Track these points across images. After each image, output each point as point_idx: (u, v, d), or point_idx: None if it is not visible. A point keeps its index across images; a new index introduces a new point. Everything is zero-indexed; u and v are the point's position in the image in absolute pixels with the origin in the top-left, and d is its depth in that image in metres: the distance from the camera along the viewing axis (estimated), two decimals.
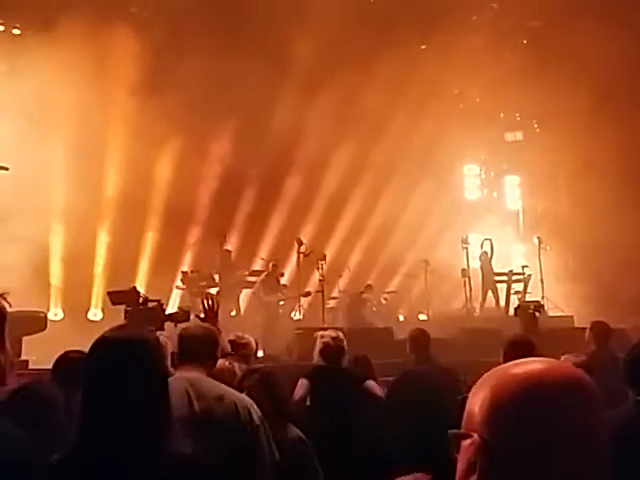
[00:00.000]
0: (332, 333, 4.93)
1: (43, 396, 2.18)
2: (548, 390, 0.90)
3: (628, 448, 2.28)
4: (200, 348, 2.79)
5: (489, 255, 13.21)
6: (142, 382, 1.60)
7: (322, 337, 4.84)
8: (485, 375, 0.97)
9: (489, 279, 13.05)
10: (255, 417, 2.56)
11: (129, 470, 1.52)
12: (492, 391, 0.92)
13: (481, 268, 13.17)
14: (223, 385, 2.69)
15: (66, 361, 3.23)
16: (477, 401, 0.94)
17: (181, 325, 5.10)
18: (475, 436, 0.90)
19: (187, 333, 2.91)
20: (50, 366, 3.38)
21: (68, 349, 3.34)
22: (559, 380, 0.91)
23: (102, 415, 1.56)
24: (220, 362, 3.35)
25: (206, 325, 3.20)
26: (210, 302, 3.91)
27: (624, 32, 11.31)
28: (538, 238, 13.30)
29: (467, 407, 0.96)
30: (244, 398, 2.65)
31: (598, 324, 5.47)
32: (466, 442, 0.92)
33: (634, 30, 11.45)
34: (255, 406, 2.64)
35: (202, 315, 3.92)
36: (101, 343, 1.66)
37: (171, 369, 2.80)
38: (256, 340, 4.69)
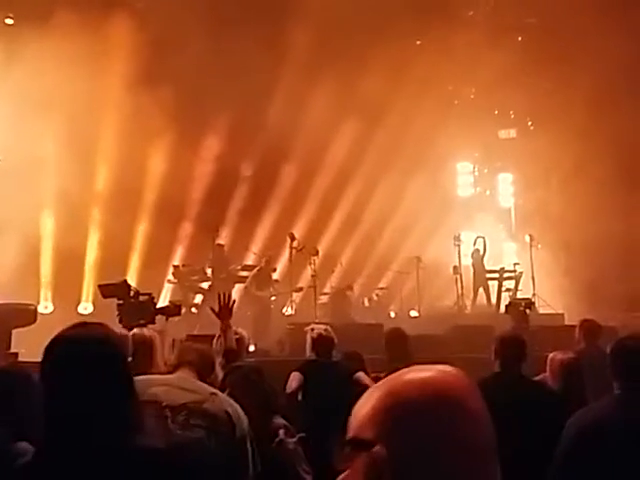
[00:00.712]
0: (322, 326, 5.01)
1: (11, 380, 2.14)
2: (452, 398, 0.86)
3: (607, 440, 2.30)
4: (196, 358, 2.82)
5: (481, 253, 13.26)
6: (102, 378, 1.57)
7: (312, 330, 4.90)
8: (375, 385, 0.92)
9: (481, 276, 13.10)
10: (244, 424, 2.53)
11: (96, 467, 1.48)
12: (390, 399, 0.87)
13: (473, 265, 13.21)
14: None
15: None
16: (370, 410, 0.87)
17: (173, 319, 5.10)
18: (378, 447, 0.84)
19: (186, 345, 2.96)
20: (39, 359, 3.35)
21: None
22: (459, 388, 0.88)
23: (64, 414, 1.53)
24: None
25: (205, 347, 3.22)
26: (226, 299, 4.00)
27: (620, 30, 11.34)
28: (530, 236, 13.35)
29: (357, 415, 0.90)
30: (235, 404, 2.63)
31: (587, 322, 5.51)
32: (363, 453, 0.85)
33: (630, 29, 11.47)
34: (244, 416, 2.63)
35: (216, 310, 4.01)
36: (56, 341, 1.62)
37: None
38: (248, 335, 4.71)
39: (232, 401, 2.62)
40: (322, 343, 4.78)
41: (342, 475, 0.87)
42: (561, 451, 2.46)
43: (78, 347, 1.60)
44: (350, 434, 0.89)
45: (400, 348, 4.89)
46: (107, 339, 1.65)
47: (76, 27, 10.18)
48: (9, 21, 11.89)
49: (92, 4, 10.72)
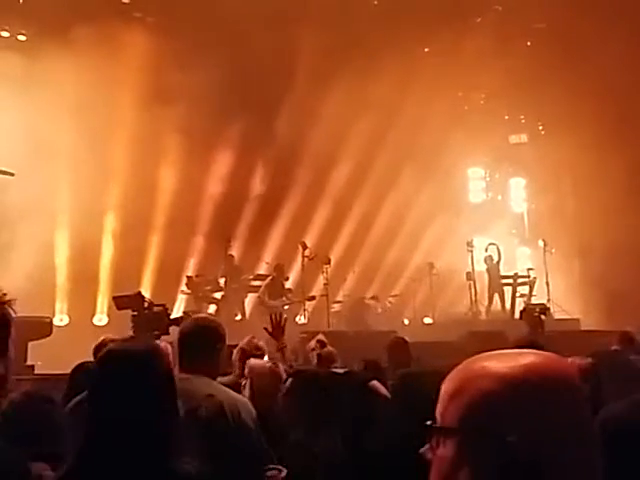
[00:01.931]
0: (322, 338, 5.10)
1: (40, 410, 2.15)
2: (569, 382, 0.85)
3: (628, 440, 2.28)
4: (200, 345, 2.66)
5: (495, 259, 13.18)
6: (149, 396, 1.55)
7: (313, 349, 5.00)
8: (463, 367, 0.89)
9: (495, 282, 13.03)
10: (245, 417, 2.49)
11: None
12: (506, 385, 0.83)
13: (487, 271, 13.15)
14: (217, 385, 2.62)
15: (83, 371, 3.23)
16: (480, 396, 0.84)
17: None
18: (512, 437, 0.80)
19: (186, 331, 2.76)
20: (55, 371, 3.39)
21: (84, 360, 3.31)
22: (570, 372, 0.87)
23: (106, 431, 1.50)
24: (261, 363, 3.34)
25: (207, 318, 3.13)
26: (278, 318, 4.14)
27: (630, 33, 11.29)
28: (543, 241, 13.26)
29: (457, 400, 0.86)
30: (235, 397, 2.57)
31: (625, 332, 5.58)
32: (480, 441, 0.82)
33: None
34: (249, 406, 2.57)
35: (270, 329, 4.13)
36: (106, 356, 1.61)
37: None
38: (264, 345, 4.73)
39: (234, 396, 2.56)
40: (329, 358, 4.84)
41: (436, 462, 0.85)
42: None
43: (127, 363, 1.59)
44: (454, 420, 0.85)
45: (403, 354, 4.95)
46: (156, 355, 1.63)
47: (88, 43, 10.31)
48: (22, 37, 12.05)
49: (103, 20, 10.81)
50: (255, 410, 2.60)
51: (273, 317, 4.18)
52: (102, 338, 3.35)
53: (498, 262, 13.17)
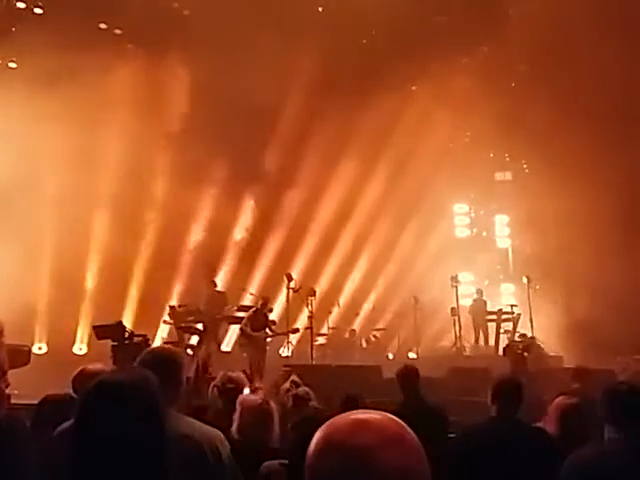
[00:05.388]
0: (295, 379, 5.02)
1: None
2: (350, 452, 0.88)
3: None
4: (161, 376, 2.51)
5: (482, 295, 13.24)
6: (139, 427, 1.48)
7: (288, 390, 4.93)
8: None
9: (479, 318, 13.05)
10: (223, 454, 2.38)
11: None
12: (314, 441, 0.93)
13: (472, 307, 13.18)
14: (189, 420, 2.46)
15: (49, 404, 3.17)
16: None
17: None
18: None
19: (146, 360, 2.50)
20: (33, 401, 3.32)
21: (49, 393, 3.25)
22: (363, 440, 0.89)
23: (93, 462, 1.44)
24: (252, 398, 3.27)
25: (166, 347, 2.96)
26: (258, 366, 4.12)
27: (612, 76, 11.60)
28: (527, 277, 13.33)
29: None
30: (211, 434, 2.43)
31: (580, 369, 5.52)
32: None
33: (623, 75, 11.73)
34: (225, 440, 2.44)
35: (248, 372, 4.09)
36: (95, 389, 1.53)
37: None
38: (244, 379, 4.66)
39: (210, 433, 2.43)
40: (301, 403, 4.78)
41: None
42: None
43: (115, 397, 1.51)
44: None
45: (414, 386, 4.84)
46: (146, 387, 1.56)
47: (81, 74, 10.38)
48: (12, 65, 12.10)
49: (96, 51, 10.85)
50: (245, 442, 2.44)
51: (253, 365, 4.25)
52: (81, 368, 3.28)
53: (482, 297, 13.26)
